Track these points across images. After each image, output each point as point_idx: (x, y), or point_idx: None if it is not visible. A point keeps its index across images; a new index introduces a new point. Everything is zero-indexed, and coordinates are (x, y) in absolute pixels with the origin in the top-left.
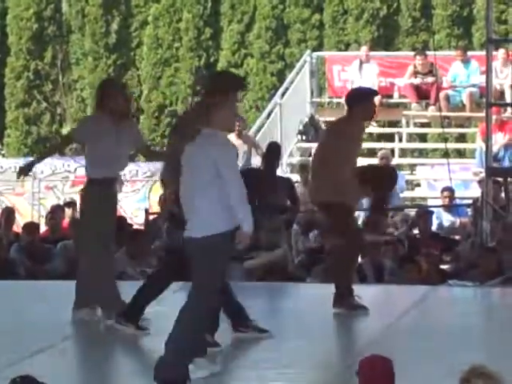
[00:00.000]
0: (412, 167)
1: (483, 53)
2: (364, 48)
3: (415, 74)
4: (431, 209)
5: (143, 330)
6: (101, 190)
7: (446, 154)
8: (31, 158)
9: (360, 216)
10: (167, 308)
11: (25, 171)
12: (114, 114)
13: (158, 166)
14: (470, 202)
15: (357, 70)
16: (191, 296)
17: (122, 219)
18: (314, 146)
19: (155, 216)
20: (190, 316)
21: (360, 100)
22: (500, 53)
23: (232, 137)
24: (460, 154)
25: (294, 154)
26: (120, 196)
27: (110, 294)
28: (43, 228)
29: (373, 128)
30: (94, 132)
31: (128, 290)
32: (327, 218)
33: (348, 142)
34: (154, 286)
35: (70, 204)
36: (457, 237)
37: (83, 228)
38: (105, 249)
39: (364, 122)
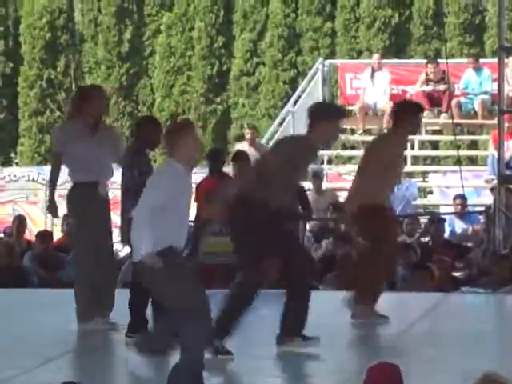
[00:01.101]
0: (424, 175)
1: (495, 60)
2: (376, 56)
3: (427, 81)
4: (443, 216)
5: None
6: (83, 193)
7: (458, 161)
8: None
9: None
10: None
11: (54, 209)
12: (92, 118)
13: None
14: (483, 209)
15: (369, 77)
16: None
17: None
18: (326, 153)
19: None
20: (183, 335)
21: (405, 112)
22: (510, 60)
23: (245, 145)
24: (472, 161)
25: None
26: None
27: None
28: (56, 236)
29: None
30: (70, 138)
31: None
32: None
33: (388, 154)
34: (139, 292)
35: None
36: (469, 244)
37: (73, 233)
38: (96, 253)
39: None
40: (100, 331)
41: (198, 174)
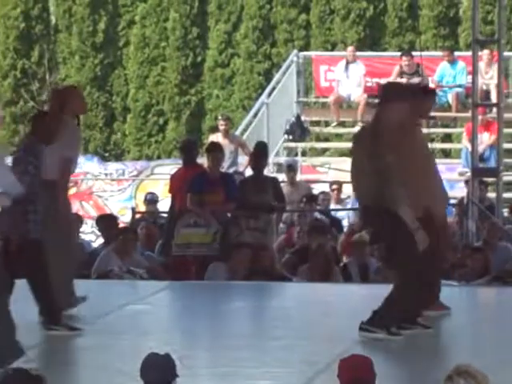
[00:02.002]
0: None
1: (469, 53)
2: (350, 48)
3: (401, 74)
4: None
5: (76, 329)
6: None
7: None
8: None
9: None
10: (150, 306)
11: None
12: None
13: (144, 164)
14: (456, 202)
15: (343, 70)
16: None
17: (113, 218)
18: (300, 145)
19: (141, 215)
20: None
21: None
22: (484, 53)
23: (219, 136)
24: (446, 154)
25: (280, 154)
26: (106, 195)
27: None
28: None
29: (358, 128)
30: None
31: (115, 288)
32: None
33: None
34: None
35: None
36: None
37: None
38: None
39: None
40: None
41: (173, 166)
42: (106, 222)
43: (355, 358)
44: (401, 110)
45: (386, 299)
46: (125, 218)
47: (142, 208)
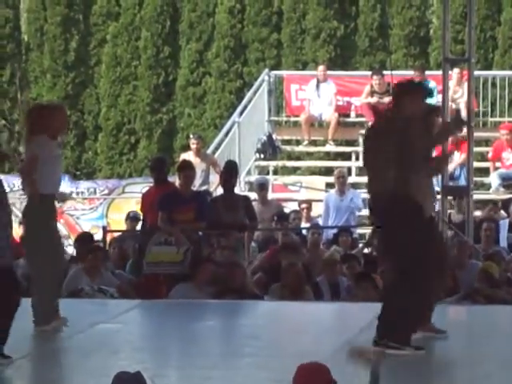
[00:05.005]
0: None
1: (440, 72)
2: (321, 67)
3: (372, 93)
4: None
5: (6, 358)
6: (47, 205)
7: None
8: None
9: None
10: (121, 325)
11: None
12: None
13: (115, 183)
14: None
15: (314, 89)
16: None
17: (88, 236)
18: (271, 164)
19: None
20: None
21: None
22: (454, 72)
23: (190, 155)
24: None
25: (252, 172)
26: (77, 213)
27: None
28: None
29: (330, 147)
30: (42, 150)
31: (86, 307)
32: None
33: None
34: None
35: None
36: None
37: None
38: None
39: None
40: (58, 332)
41: (144, 184)
42: (83, 241)
43: (312, 365)
44: (418, 101)
45: (396, 310)
46: (96, 237)
47: (114, 227)
